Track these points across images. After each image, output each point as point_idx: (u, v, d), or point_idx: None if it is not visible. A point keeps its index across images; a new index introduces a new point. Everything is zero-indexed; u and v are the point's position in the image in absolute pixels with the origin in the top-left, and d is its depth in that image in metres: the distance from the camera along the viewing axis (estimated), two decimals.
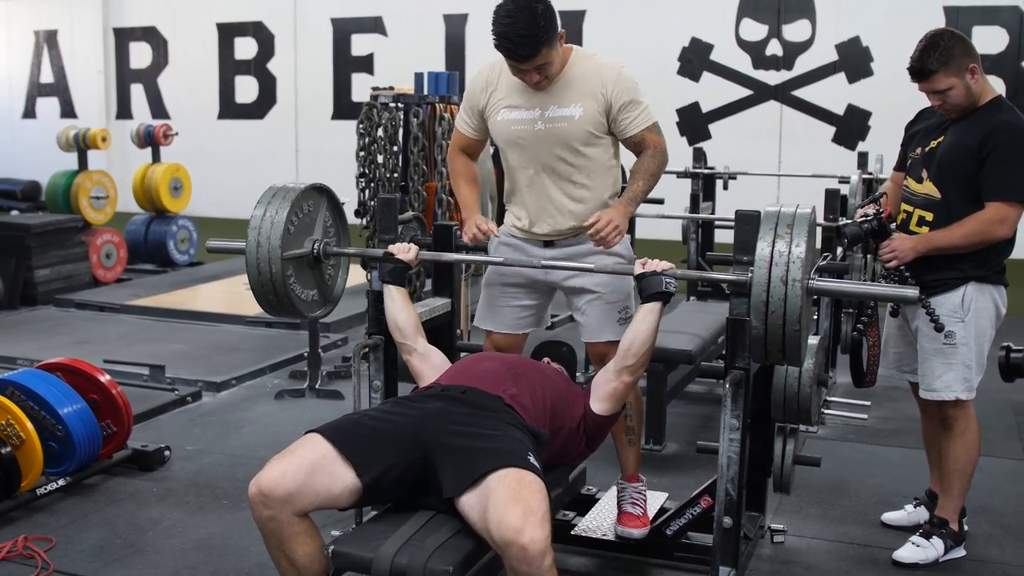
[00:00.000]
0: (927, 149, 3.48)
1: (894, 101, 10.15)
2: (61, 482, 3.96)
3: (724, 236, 7.34)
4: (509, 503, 2.39)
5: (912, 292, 2.81)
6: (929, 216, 3.43)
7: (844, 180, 7.10)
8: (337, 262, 3.53)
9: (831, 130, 10.74)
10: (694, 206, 6.94)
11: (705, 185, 7.10)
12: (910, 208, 3.50)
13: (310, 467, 2.57)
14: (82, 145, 8.56)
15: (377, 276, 3.43)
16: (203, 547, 3.60)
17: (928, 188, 3.44)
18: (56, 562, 3.44)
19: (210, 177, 11.86)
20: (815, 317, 5.41)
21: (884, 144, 7.86)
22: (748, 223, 3.12)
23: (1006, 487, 4.20)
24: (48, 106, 14.40)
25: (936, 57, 3.29)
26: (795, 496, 3.97)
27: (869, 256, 5.38)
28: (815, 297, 3.17)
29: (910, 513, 3.84)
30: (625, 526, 3.48)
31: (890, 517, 3.86)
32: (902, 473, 4.39)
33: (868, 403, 5.16)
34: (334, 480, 2.59)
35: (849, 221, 3.43)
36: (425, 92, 6.13)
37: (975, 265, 3.38)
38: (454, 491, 2.52)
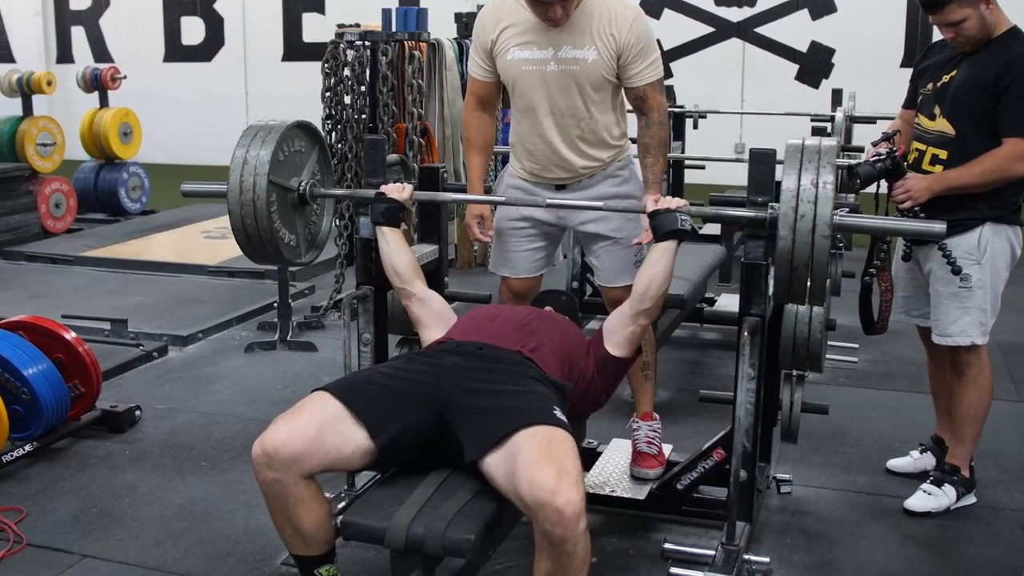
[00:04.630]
0: (939, 84, 3.32)
1: (858, 38, 10.17)
2: (28, 447, 3.72)
3: (693, 177, 7.24)
4: (541, 463, 2.22)
5: (940, 226, 2.67)
6: (943, 154, 3.28)
7: (819, 118, 6.98)
8: (321, 205, 3.34)
9: (794, 68, 10.60)
10: None
11: (675, 124, 6.94)
12: (922, 146, 3.35)
13: (319, 426, 2.39)
14: (26, 90, 8.13)
15: (367, 222, 3.25)
16: (185, 513, 3.40)
17: (941, 125, 3.29)
18: (29, 535, 3.22)
19: (157, 122, 11.43)
20: None
21: (848, 82, 7.76)
22: (764, 162, 2.97)
23: (1005, 431, 4.12)
24: None
25: None
26: (796, 444, 3.85)
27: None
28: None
29: (916, 460, 3.74)
30: (641, 466, 3.37)
31: (896, 464, 3.76)
32: (899, 418, 4.30)
33: (857, 346, 5.07)
34: (345, 440, 2.41)
35: (861, 160, 3.27)
36: (393, 29, 5.87)
37: (992, 205, 3.25)
38: (477, 452, 2.35)
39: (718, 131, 8.85)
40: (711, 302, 5.67)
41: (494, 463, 2.32)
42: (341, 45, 5.81)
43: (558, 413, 2.40)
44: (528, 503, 2.20)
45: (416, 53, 5.80)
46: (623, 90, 3.25)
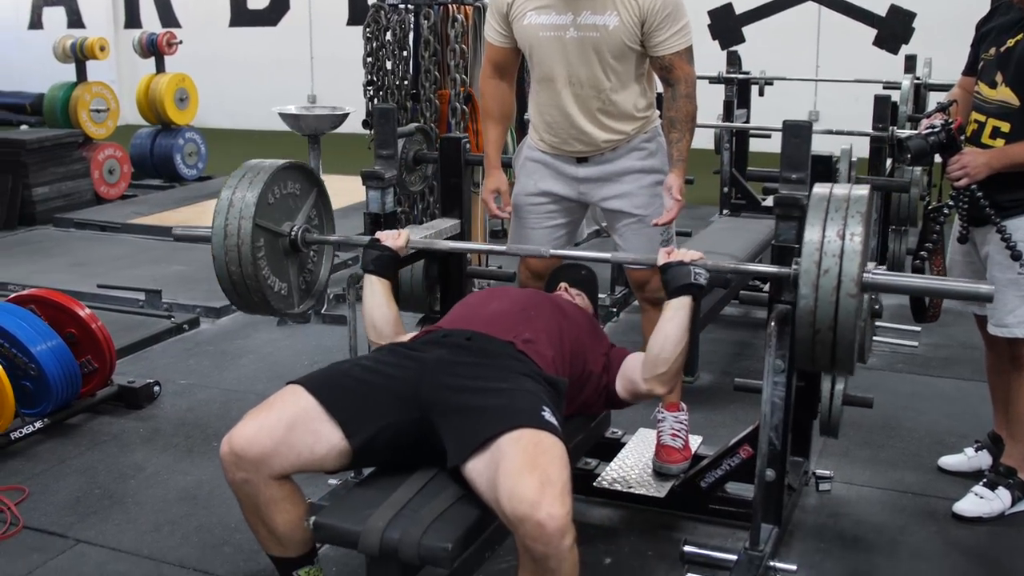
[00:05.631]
0: (1003, 49, 3.00)
1: (942, 1, 9.64)
2: (39, 424, 3.64)
3: (758, 145, 6.94)
4: (523, 471, 2.01)
5: (987, 289, 2.39)
6: (1005, 126, 2.97)
7: (891, 85, 6.60)
8: (319, 252, 3.10)
9: (871, 33, 10.12)
10: (727, 114, 6.49)
11: (740, 91, 6.65)
12: (982, 117, 3.04)
13: (290, 423, 2.22)
14: (79, 55, 8.08)
15: (375, 196, 3.09)
16: (188, 498, 3.28)
17: (1004, 94, 2.97)
18: (27, 516, 3.13)
19: (222, 87, 11.48)
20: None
21: (931, 48, 7.33)
22: (798, 135, 2.72)
23: None
24: (55, 16, 13.86)
25: None
26: (841, 436, 3.55)
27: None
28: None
29: (971, 458, 3.45)
30: (664, 461, 3.16)
31: (948, 462, 3.48)
32: (958, 409, 4.00)
33: (919, 328, 4.75)
34: (318, 439, 2.23)
35: (913, 132, 2.97)
36: None
37: None
38: (459, 457, 2.15)
39: (792, 99, 8.50)
40: (765, 279, 5.39)
41: (476, 469, 2.13)
42: (383, 9, 5.61)
43: (547, 415, 2.19)
44: (508, 515, 2.00)
45: (460, 17, 5.56)
46: (648, 59, 3.01)
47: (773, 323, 2.63)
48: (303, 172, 2.98)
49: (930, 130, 2.96)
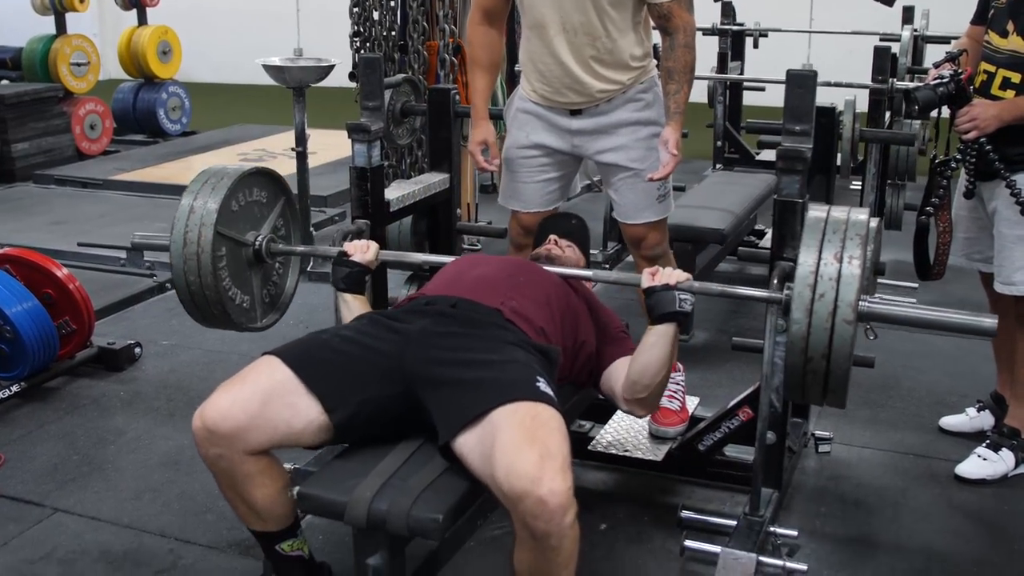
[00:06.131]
0: None
1: None
2: (16, 388, 3.53)
3: (753, 98, 6.81)
4: (521, 446, 1.90)
5: (991, 322, 2.23)
6: (1016, 77, 2.85)
7: (888, 38, 6.46)
8: (285, 263, 2.93)
9: None
10: (721, 66, 6.36)
11: (733, 43, 6.52)
12: (991, 68, 2.92)
13: (265, 396, 2.10)
14: (59, 7, 7.85)
15: (361, 149, 2.97)
16: (170, 463, 3.18)
17: (1015, 43, 2.85)
18: (2, 484, 3.03)
19: (206, 40, 11.22)
20: (859, 187, 4.89)
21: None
22: (803, 85, 2.60)
23: None
24: None
25: None
26: None
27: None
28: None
29: (972, 418, 3.38)
30: (661, 423, 3.08)
31: (949, 422, 3.40)
32: (958, 368, 3.92)
33: (915, 285, 4.65)
34: (295, 413, 2.12)
35: (921, 84, 2.86)
36: None
37: None
38: (449, 433, 2.05)
39: (785, 51, 8.33)
40: (761, 234, 5.29)
41: (468, 444, 2.02)
42: None
43: (542, 385, 2.08)
44: (506, 492, 1.89)
45: None
46: (646, 6, 2.88)
47: (775, 280, 2.53)
48: (270, 179, 2.79)
49: (938, 80, 2.84)
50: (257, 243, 2.72)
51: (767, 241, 5.14)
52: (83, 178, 7.10)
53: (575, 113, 2.99)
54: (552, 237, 2.83)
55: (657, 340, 2.35)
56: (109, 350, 3.87)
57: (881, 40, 6.59)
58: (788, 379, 2.26)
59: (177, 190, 6.62)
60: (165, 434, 3.38)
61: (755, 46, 7.11)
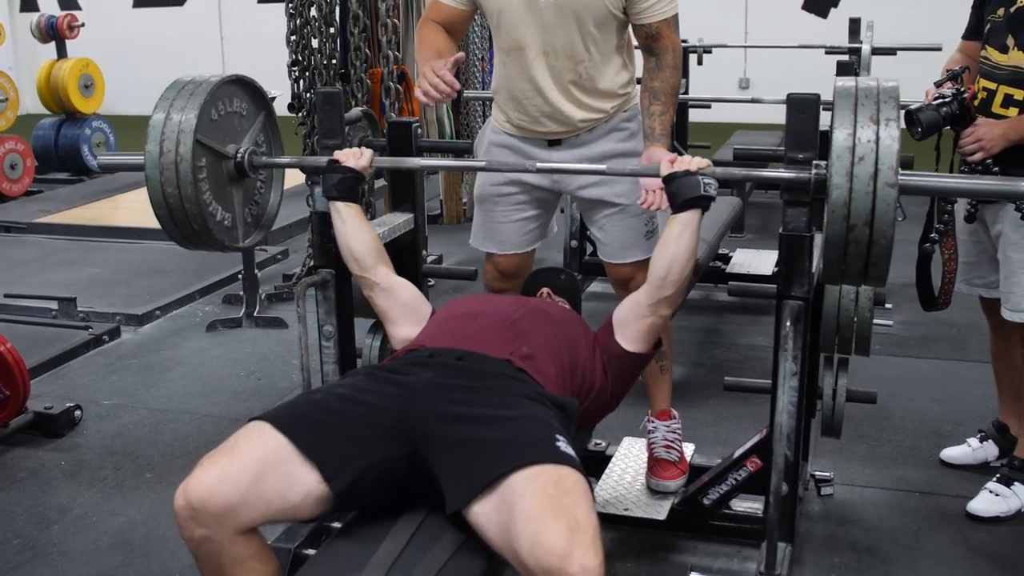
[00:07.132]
0: (1013, 9, 2.74)
1: None
2: None
3: (698, 116, 6.69)
4: (546, 516, 1.68)
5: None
6: (1019, 94, 2.71)
7: (834, 51, 6.40)
8: (268, 176, 2.76)
9: None
10: None
11: None
12: (992, 85, 2.78)
13: (258, 467, 1.85)
14: None
15: (321, 192, 2.69)
16: (123, 543, 2.88)
17: (1016, 59, 2.72)
18: None
19: (129, 72, 10.84)
20: None
21: (860, 10, 7.13)
22: (805, 110, 2.41)
23: None
24: None
25: None
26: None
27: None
28: None
29: (975, 449, 3.22)
30: (660, 478, 2.87)
31: (951, 454, 3.25)
32: (946, 393, 3.78)
33: (890, 306, 4.52)
34: (291, 484, 1.87)
35: (922, 104, 2.69)
36: None
37: None
38: (461, 500, 1.82)
39: (722, 67, 8.27)
40: (725, 259, 5.13)
41: (484, 513, 1.79)
42: None
43: (562, 445, 1.86)
44: (531, 568, 1.66)
45: None
46: (630, 27, 2.68)
47: (788, 322, 2.35)
48: (250, 90, 2.64)
49: (941, 100, 2.68)
50: (239, 156, 2.59)
51: (736, 266, 5.00)
52: (5, 222, 6.73)
53: (553, 144, 2.76)
54: (544, 291, 2.64)
55: (683, 229, 2.27)
56: (47, 415, 3.55)
57: (828, 53, 6.58)
58: (827, 255, 2.09)
59: (108, 232, 6.40)
60: (114, 508, 3.08)
61: (699, 63, 7.01)
